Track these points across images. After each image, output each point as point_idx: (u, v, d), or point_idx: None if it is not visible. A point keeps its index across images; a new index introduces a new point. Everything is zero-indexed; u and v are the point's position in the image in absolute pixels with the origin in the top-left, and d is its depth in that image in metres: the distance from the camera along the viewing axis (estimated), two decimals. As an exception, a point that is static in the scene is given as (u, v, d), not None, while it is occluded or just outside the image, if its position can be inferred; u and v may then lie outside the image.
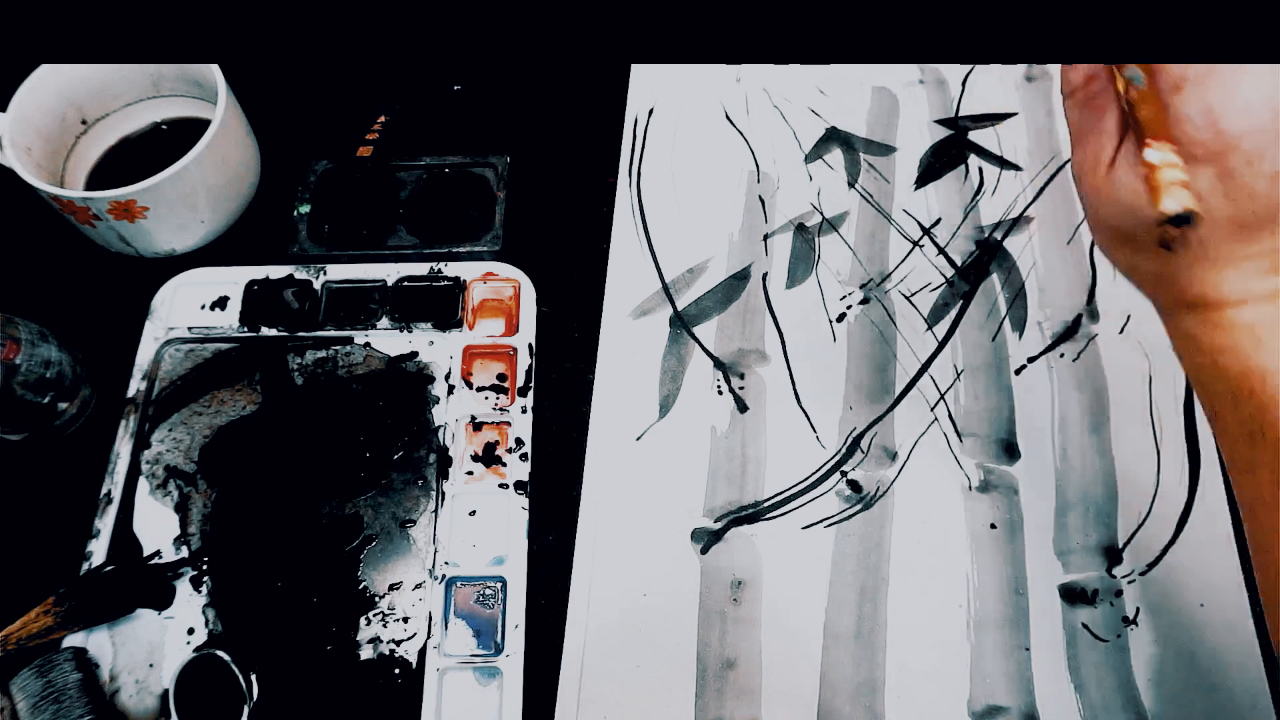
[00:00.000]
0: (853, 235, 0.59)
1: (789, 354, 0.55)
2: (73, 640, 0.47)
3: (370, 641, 0.47)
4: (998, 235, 0.59)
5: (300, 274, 0.57)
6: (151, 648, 0.48)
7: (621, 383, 0.55)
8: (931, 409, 0.53)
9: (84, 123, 0.61)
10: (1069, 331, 0.55)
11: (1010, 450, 0.52)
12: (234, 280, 0.57)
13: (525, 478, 0.51)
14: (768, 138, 0.63)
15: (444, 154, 0.63)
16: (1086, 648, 0.47)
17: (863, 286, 0.57)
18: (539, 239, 0.60)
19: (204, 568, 0.49)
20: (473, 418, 0.53)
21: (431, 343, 0.55)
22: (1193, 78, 0.29)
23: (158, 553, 0.50)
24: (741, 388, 0.54)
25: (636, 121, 0.64)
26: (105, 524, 0.50)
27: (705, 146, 0.63)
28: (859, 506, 0.51)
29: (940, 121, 0.63)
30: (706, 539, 0.50)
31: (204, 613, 0.48)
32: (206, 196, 0.57)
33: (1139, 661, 0.46)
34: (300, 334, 0.56)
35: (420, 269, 0.57)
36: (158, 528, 0.50)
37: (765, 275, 0.58)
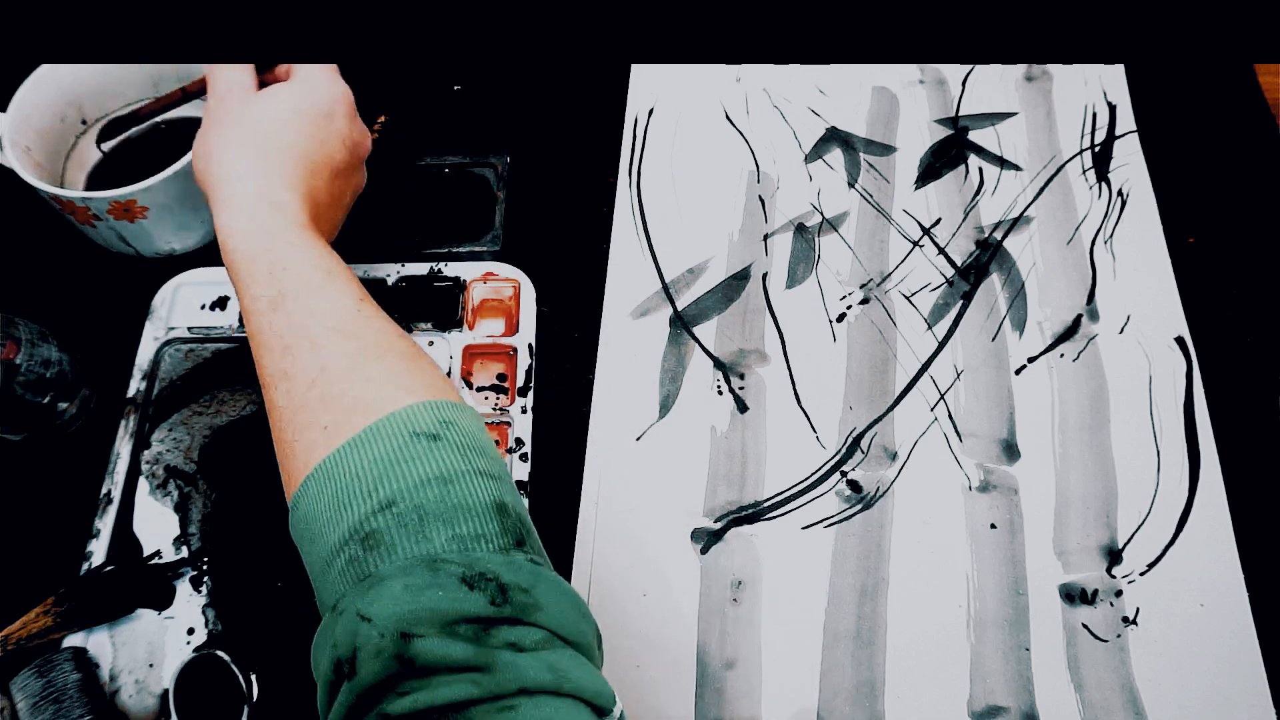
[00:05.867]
0: (853, 235, 0.59)
1: (789, 354, 0.55)
2: (73, 640, 0.47)
3: (370, 641, 0.47)
4: (998, 235, 0.59)
5: (300, 274, 0.57)
6: (151, 648, 0.48)
7: (621, 383, 0.55)
8: (931, 409, 0.53)
9: (84, 123, 0.61)
10: (1069, 331, 0.55)
11: (1010, 450, 0.52)
12: (234, 280, 0.57)
13: (525, 478, 0.51)
14: (768, 138, 0.63)
15: (444, 154, 0.63)
16: (1086, 648, 0.47)
17: (863, 286, 0.57)
18: (539, 239, 0.60)
19: (204, 568, 0.49)
20: (473, 418, 0.53)
21: (431, 343, 0.55)
22: None
23: (158, 553, 0.50)
24: (741, 388, 0.54)
25: (636, 121, 0.64)
26: (105, 524, 0.50)
27: (705, 146, 0.63)
28: (859, 506, 0.51)
29: (940, 121, 0.63)
30: (706, 539, 0.50)
31: (204, 613, 0.48)
32: (206, 196, 0.57)
33: (1139, 661, 0.46)
34: (300, 334, 0.56)
35: (420, 269, 0.57)
36: (158, 528, 0.50)
37: (765, 275, 0.58)
